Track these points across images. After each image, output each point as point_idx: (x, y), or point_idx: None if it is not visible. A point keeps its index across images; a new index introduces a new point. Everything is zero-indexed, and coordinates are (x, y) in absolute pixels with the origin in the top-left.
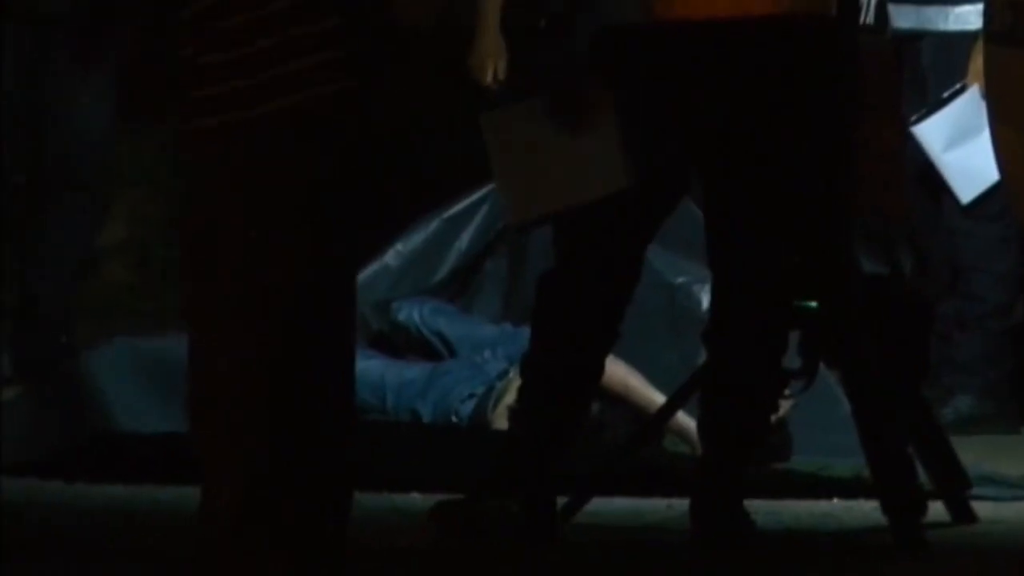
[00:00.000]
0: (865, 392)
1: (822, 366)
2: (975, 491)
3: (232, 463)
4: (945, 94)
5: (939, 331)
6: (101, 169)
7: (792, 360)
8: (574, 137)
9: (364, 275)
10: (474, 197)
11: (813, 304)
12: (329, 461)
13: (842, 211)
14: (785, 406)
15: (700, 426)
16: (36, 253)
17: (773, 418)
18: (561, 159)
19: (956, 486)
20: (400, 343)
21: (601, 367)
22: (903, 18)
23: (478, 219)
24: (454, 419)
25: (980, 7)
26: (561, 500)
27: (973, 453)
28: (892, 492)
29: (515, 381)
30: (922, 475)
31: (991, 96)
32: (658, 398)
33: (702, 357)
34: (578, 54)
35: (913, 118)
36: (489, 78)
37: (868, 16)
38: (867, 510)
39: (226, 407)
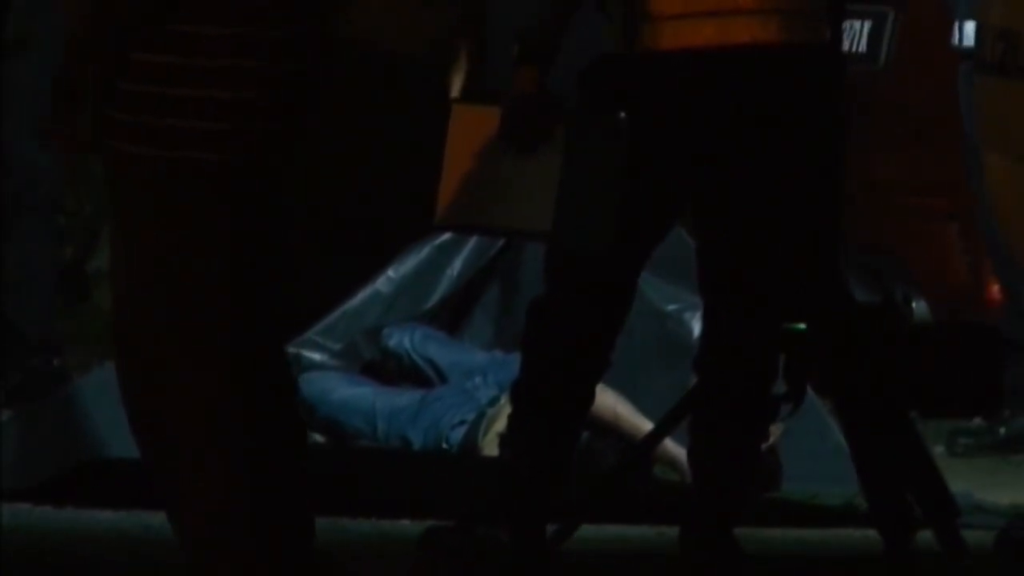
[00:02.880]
0: (857, 418)
1: (813, 395)
2: (964, 520)
3: (207, 479)
4: None
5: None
6: (50, 192)
7: (780, 385)
8: (519, 162)
9: (355, 302)
10: None
11: (801, 326)
12: (295, 477)
13: (832, 238)
14: (775, 433)
15: (690, 454)
16: (7, 276)
17: (763, 446)
18: (503, 178)
19: (946, 515)
20: (391, 370)
21: (591, 395)
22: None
23: (470, 246)
24: (444, 446)
25: None
26: (551, 528)
27: (963, 481)
28: (887, 517)
29: (505, 408)
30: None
31: (982, 125)
32: (647, 427)
33: (693, 385)
34: (547, 82)
35: None
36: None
37: (860, 45)
38: (857, 539)
39: (191, 428)
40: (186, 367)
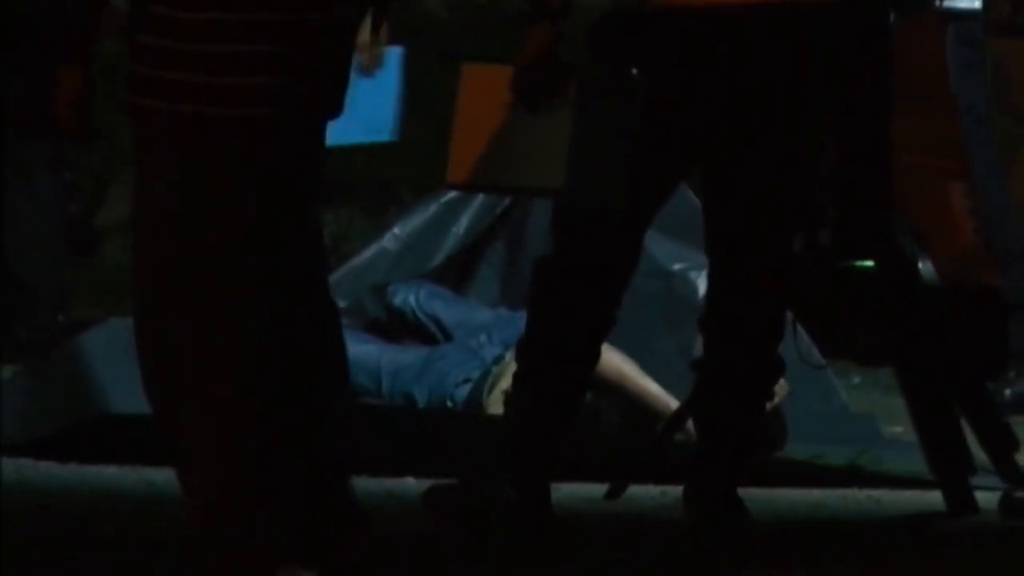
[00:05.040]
0: (917, 369)
1: (820, 357)
2: (977, 481)
3: (222, 445)
4: None
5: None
6: (57, 146)
7: (786, 348)
8: (530, 119)
9: (361, 259)
10: None
11: (869, 264)
12: (321, 443)
13: (876, 192)
14: (780, 393)
15: (695, 414)
16: (13, 230)
17: (768, 406)
18: (515, 136)
19: (961, 472)
20: (396, 327)
21: (597, 353)
22: None
23: (476, 203)
24: (449, 404)
25: None
26: (555, 486)
27: (968, 443)
28: (943, 457)
29: (510, 366)
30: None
31: (993, 85)
32: (652, 387)
33: (698, 344)
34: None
35: None
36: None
37: None
38: (861, 499)
39: (204, 388)
40: (189, 330)
